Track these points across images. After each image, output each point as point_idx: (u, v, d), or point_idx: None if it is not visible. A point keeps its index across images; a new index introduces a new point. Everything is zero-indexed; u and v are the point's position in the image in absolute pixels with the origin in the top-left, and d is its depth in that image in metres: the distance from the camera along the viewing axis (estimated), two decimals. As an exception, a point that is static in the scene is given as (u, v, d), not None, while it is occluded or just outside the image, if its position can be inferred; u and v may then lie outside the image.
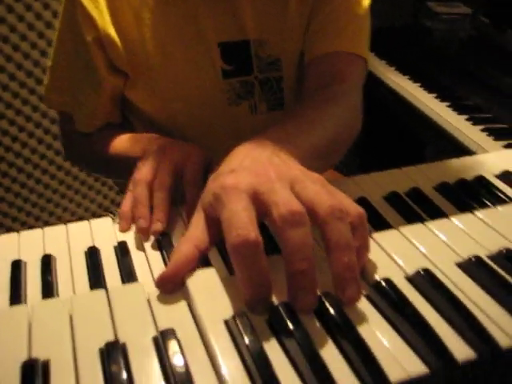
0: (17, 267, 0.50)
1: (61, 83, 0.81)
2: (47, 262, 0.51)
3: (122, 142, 0.77)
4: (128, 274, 0.50)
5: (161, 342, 0.38)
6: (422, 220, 0.55)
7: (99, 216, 1.93)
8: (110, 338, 0.39)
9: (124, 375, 0.36)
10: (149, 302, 0.43)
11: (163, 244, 0.54)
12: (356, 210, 0.44)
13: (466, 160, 0.72)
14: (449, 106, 1.43)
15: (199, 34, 0.76)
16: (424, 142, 1.70)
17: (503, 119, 1.35)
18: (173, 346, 0.38)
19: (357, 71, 0.79)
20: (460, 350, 0.37)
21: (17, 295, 0.47)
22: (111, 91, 0.79)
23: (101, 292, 0.44)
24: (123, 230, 0.57)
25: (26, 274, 0.50)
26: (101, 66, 0.76)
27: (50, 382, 0.36)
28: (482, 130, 1.29)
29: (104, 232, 0.57)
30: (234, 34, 0.78)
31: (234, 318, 0.40)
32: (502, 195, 0.62)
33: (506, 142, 1.23)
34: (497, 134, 1.26)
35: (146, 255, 0.53)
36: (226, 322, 0.40)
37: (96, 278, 0.50)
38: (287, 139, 0.55)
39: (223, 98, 0.79)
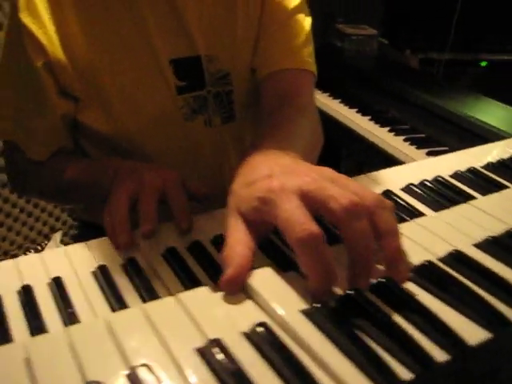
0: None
1: (6, 111, 0.77)
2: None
3: (83, 168, 0.74)
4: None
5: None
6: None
7: (39, 244, 1.83)
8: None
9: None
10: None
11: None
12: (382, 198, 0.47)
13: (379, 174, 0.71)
14: (370, 120, 1.51)
15: (151, 51, 0.75)
16: (340, 153, 1.78)
17: (420, 129, 1.45)
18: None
19: (310, 86, 0.83)
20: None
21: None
22: (63, 116, 0.75)
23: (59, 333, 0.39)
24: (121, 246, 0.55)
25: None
26: (51, 91, 0.73)
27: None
28: (405, 140, 1.37)
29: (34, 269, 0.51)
30: (185, 50, 0.77)
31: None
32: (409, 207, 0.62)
33: (427, 150, 1.31)
34: (418, 143, 1.35)
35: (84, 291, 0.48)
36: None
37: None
38: (283, 148, 0.57)
39: (179, 114, 0.78)
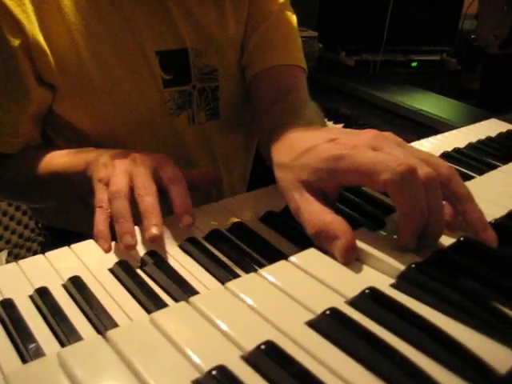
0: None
1: None
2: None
3: (60, 158, 0.68)
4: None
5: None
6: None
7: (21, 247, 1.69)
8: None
9: None
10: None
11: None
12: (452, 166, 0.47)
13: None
14: (324, 117, 1.53)
15: (136, 41, 0.72)
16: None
17: (373, 124, 1.48)
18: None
19: (303, 82, 0.83)
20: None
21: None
22: (38, 105, 0.70)
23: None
24: (106, 249, 0.50)
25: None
26: (28, 75, 0.67)
27: None
28: (360, 136, 1.40)
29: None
30: (172, 42, 0.75)
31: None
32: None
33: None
34: (374, 138, 1.38)
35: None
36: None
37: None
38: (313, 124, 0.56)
39: (164, 108, 0.75)
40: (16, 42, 0.65)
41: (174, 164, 0.57)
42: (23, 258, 1.47)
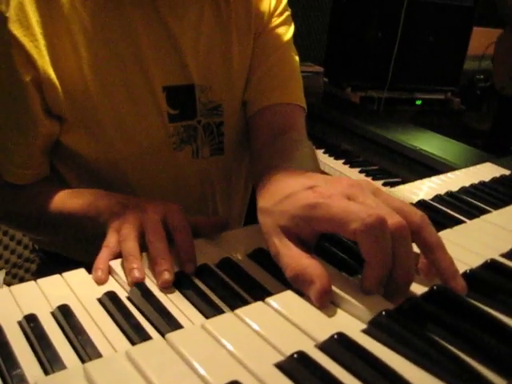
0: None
1: None
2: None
3: (72, 201, 0.70)
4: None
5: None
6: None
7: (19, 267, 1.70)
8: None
9: None
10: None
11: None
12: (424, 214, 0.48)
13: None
14: (325, 153, 1.55)
15: (145, 77, 0.73)
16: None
17: (373, 161, 1.50)
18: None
19: (302, 120, 0.85)
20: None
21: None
22: (46, 137, 0.72)
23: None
24: (101, 280, 0.51)
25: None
26: (38, 108, 0.69)
27: None
28: (360, 172, 1.42)
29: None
30: (179, 78, 0.77)
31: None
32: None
33: (383, 181, 1.36)
34: (373, 175, 1.40)
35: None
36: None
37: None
38: (301, 169, 0.57)
39: (169, 142, 0.77)
40: (27, 77, 0.67)
41: (181, 212, 0.59)
42: (21, 278, 1.49)
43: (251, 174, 0.92)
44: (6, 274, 1.69)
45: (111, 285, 0.51)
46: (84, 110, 0.71)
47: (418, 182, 0.83)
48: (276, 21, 0.85)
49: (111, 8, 0.71)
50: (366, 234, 0.42)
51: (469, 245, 0.55)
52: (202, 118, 0.80)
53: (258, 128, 0.82)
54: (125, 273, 0.52)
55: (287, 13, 0.87)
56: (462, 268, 0.49)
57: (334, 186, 0.48)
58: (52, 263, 0.91)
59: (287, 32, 0.86)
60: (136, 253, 0.53)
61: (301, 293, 0.45)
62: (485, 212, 0.71)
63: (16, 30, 0.66)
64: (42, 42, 0.67)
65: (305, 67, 2.03)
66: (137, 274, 0.51)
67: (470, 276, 0.45)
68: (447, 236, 0.55)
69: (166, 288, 0.50)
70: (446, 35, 2.36)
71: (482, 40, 2.82)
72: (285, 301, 0.44)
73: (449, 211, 0.71)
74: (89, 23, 0.70)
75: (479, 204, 0.74)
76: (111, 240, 0.57)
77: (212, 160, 0.83)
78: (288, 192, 0.49)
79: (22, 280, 1.78)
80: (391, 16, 2.20)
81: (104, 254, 0.55)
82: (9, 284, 1.73)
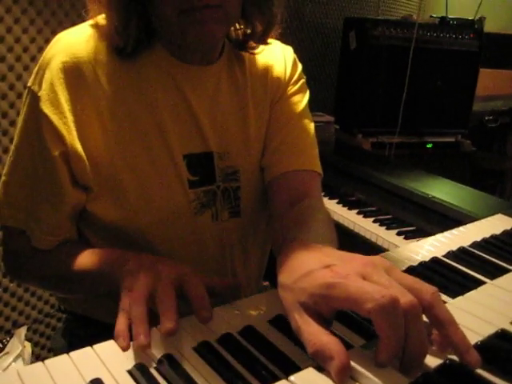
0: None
1: (16, 199, 0.77)
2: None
3: (89, 259, 0.74)
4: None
5: None
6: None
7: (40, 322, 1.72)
8: None
9: None
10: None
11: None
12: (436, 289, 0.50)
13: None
14: (338, 203, 1.58)
15: (165, 145, 0.78)
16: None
17: (386, 210, 1.52)
18: None
19: (318, 186, 0.88)
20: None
21: None
22: (73, 206, 0.76)
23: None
24: (124, 347, 0.54)
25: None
26: (65, 180, 0.74)
27: None
28: (373, 222, 1.44)
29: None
30: (198, 146, 0.81)
31: None
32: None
33: (397, 230, 1.38)
34: (387, 225, 1.42)
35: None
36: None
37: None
38: (318, 242, 0.61)
39: (190, 208, 0.81)
40: (56, 152, 0.72)
41: (196, 276, 0.62)
42: (42, 333, 1.51)
43: (270, 238, 0.95)
44: (28, 329, 1.71)
45: (140, 355, 0.53)
46: (109, 179, 0.75)
47: (430, 238, 0.85)
48: (292, 89, 0.89)
49: (133, 82, 0.76)
50: (380, 314, 0.44)
51: (480, 313, 0.57)
52: (221, 182, 0.84)
53: (276, 194, 0.85)
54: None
55: (302, 80, 0.91)
56: (473, 338, 0.51)
57: (349, 265, 0.51)
58: (78, 323, 0.94)
59: (303, 99, 0.90)
60: (143, 317, 0.56)
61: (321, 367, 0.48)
62: (497, 267, 0.73)
63: (47, 108, 0.72)
64: (70, 118, 0.72)
65: (316, 117, 2.07)
66: (142, 339, 0.53)
67: (482, 347, 0.47)
68: (459, 304, 0.57)
69: (169, 335, 0.54)
70: (453, 79, 2.40)
71: (488, 81, 2.86)
72: (306, 378, 0.46)
73: (462, 268, 0.73)
74: (113, 98, 0.75)
75: (491, 259, 0.76)
76: (125, 301, 0.60)
77: (230, 222, 0.86)
78: (306, 270, 0.52)
79: (42, 335, 1.80)
80: (399, 62, 2.25)
81: (121, 318, 0.57)
82: (30, 339, 1.75)
